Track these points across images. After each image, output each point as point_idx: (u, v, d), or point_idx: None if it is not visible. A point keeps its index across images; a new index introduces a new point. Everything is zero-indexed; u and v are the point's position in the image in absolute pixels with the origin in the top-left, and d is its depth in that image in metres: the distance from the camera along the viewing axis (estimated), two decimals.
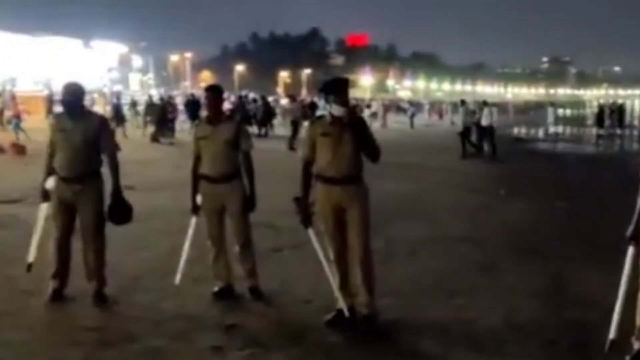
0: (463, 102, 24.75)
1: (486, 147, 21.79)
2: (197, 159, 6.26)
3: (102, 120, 6.40)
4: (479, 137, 21.89)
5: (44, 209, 6.34)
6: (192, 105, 27.28)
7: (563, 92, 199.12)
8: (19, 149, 18.72)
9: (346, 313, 5.47)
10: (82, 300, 6.12)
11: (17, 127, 23.33)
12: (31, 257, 6.45)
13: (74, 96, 6.20)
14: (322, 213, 5.54)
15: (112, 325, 5.59)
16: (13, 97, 30.37)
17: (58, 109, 31.87)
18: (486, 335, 5.43)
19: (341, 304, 5.51)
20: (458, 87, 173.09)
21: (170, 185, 12.93)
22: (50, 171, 6.15)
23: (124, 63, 73.20)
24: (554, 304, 6.29)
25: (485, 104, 23.10)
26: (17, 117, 24.45)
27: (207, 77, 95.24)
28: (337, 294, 5.53)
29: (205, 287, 6.29)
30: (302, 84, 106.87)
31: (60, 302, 6.08)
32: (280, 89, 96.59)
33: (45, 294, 6.13)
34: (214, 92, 6.37)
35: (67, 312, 5.94)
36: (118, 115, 26.78)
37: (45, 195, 6.22)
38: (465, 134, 21.69)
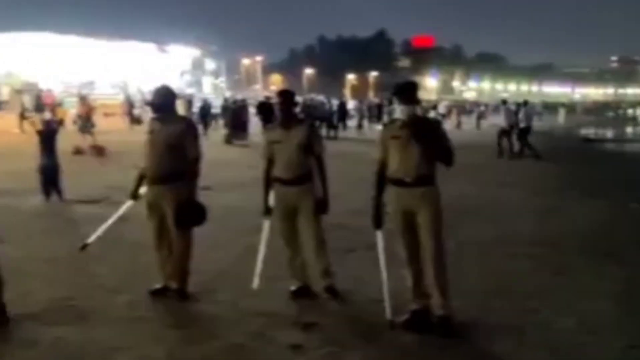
0: (504, 102, 24.55)
1: (516, 146, 21.63)
2: (270, 162, 6.31)
3: (188, 124, 6.51)
4: (517, 137, 21.78)
5: (125, 207, 6.60)
6: (265, 108, 27.50)
7: (632, 92, 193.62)
8: (98, 150, 19.14)
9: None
10: (164, 298, 6.24)
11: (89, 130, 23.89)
12: (90, 239, 6.73)
13: (164, 98, 6.38)
14: (392, 215, 5.54)
15: (193, 323, 5.68)
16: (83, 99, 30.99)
17: (136, 112, 32.76)
18: (563, 338, 5.33)
19: (413, 305, 5.51)
20: (524, 87, 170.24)
21: (244, 186, 13.04)
22: (143, 175, 6.35)
23: (197, 66, 74.22)
24: (630, 308, 6.14)
25: (525, 104, 23.10)
26: (88, 119, 24.99)
27: (277, 80, 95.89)
28: (410, 295, 5.53)
29: (282, 286, 6.32)
30: (368, 86, 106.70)
31: (142, 300, 6.22)
32: (347, 92, 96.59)
33: (131, 291, 6.32)
34: (287, 96, 6.42)
35: (150, 309, 6.06)
36: (205, 118, 27.23)
37: (135, 196, 6.43)
38: (505, 134, 21.55)
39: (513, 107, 23.68)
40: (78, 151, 18.64)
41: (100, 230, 6.72)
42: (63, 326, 5.55)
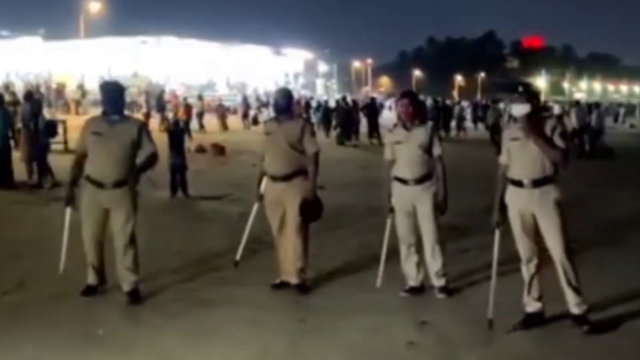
0: (577, 103, 24.21)
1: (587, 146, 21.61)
2: (391, 163, 6.38)
3: (304, 123, 6.67)
4: (589, 138, 21.44)
5: (254, 210, 6.76)
6: (370, 109, 27.62)
7: None
8: (219, 149, 19.64)
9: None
10: (284, 293, 6.40)
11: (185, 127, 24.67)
12: (238, 255, 6.91)
13: (285, 100, 6.58)
14: (511, 216, 5.49)
15: (312, 317, 5.76)
16: (185, 99, 31.97)
17: (252, 112, 33.40)
18: None
19: (527, 307, 5.46)
20: (637, 89, 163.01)
21: (357, 185, 13.18)
22: (263, 174, 6.51)
23: (310, 69, 74.91)
24: None
25: (597, 105, 22.75)
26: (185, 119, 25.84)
27: (386, 82, 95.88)
28: (525, 298, 5.47)
29: (398, 283, 6.35)
30: (477, 87, 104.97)
31: (262, 293, 6.38)
32: (455, 93, 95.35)
33: (253, 285, 6.50)
34: (409, 98, 6.46)
35: (270, 303, 6.21)
36: (325, 119, 27.57)
37: (261, 197, 6.56)
38: (576, 134, 21.43)
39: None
40: (200, 149, 19.20)
41: (243, 242, 6.90)
42: (185, 315, 5.76)
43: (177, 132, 12.30)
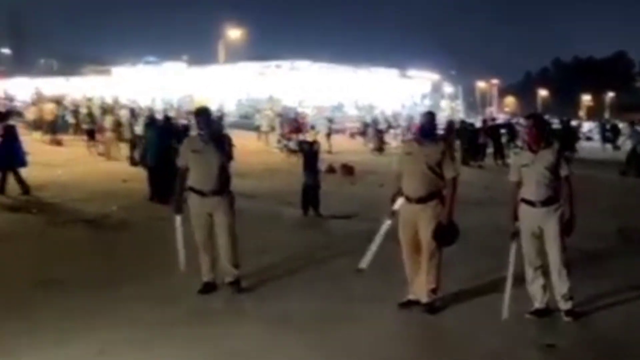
0: (632, 124, 23.36)
1: None
2: (517, 184, 6.30)
3: (445, 146, 6.64)
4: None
5: (385, 226, 6.81)
6: (494, 130, 27.14)
7: None
8: (348, 170, 19.84)
9: None
10: (411, 311, 6.40)
11: (285, 146, 25.12)
12: (364, 263, 7.03)
13: (430, 123, 6.65)
14: None
15: (436, 338, 5.83)
16: (295, 119, 32.50)
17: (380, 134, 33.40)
18: None
19: None
20: None
21: (483, 205, 13.01)
22: (398, 192, 6.54)
23: (436, 90, 74.37)
24: None
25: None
26: (288, 138, 26.15)
27: (511, 102, 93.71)
28: None
29: (524, 306, 6.25)
30: (604, 107, 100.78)
31: (389, 310, 6.42)
32: (582, 113, 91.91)
33: (384, 302, 6.55)
34: (534, 120, 6.42)
35: (398, 321, 6.27)
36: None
37: (393, 214, 6.62)
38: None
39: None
40: (330, 170, 19.45)
41: (369, 254, 7.00)
42: (314, 332, 5.87)
43: (311, 153, 12.51)
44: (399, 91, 66.33)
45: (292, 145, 25.02)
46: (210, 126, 7.25)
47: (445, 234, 6.29)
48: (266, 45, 79.37)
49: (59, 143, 26.50)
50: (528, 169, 6.19)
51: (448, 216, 6.29)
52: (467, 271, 7.82)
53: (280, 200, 13.71)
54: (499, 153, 25.23)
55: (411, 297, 6.51)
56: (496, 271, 6.67)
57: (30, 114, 29.68)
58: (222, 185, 6.89)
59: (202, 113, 7.28)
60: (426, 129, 6.59)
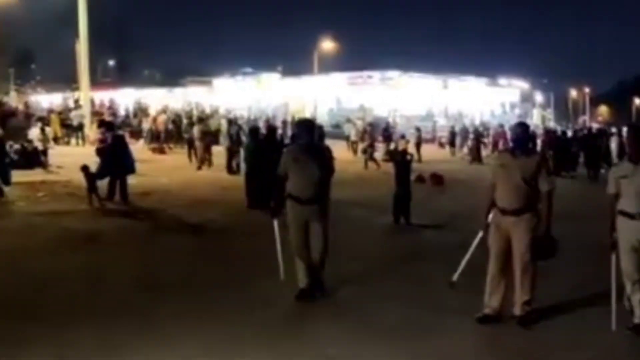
0: None
1: None
2: (615, 197, 6.14)
3: (541, 159, 6.50)
4: None
5: (478, 238, 6.77)
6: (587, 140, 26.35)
7: None
8: (438, 179, 19.73)
9: None
10: (495, 324, 6.33)
11: (370, 156, 24.93)
12: (456, 276, 7.01)
13: (523, 134, 6.52)
14: None
15: (536, 349, 5.74)
16: (385, 128, 32.28)
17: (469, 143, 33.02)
18: None
19: None
20: None
21: (574, 217, 12.69)
22: (491, 204, 6.45)
23: (526, 99, 72.69)
24: None
25: None
26: (371, 146, 25.97)
27: (604, 111, 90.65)
28: None
29: (622, 320, 6.05)
30: None
31: (472, 324, 6.33)
32: None
33: (469, 312, 6.49)
34: (634, 131, 6.29)
35: (480, 333, 6.25)
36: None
37: (487, 226, 6.50)
38: None
39: None
40: (420, 179, 19.39)
41: (461, 267, 6.98)
42: (414, 339, 5.96)
43: (402, 163, 12.55)
44: (489, 100, 65.28)
45: (378, 154, 25.13)
46: (311, 136, 7.42)
47: (542, 247, 6.18)
48: (358, 56, 79.49)
49: (162, 151, 27.49)
50: (627, 181, 5.99)
51: (546, 230, 6.19)
52: (562, 284, 7.61)
53: (371, 208, 13.85)
54: (592, 163, 24.46)
55: (488, 311, 6.40)
56: (591, 284, 6.55)
57: (146, 124, 30.95)
58: (320, 194, 7.03)
59: (305, 123, 7.61)
60: (520, 141, 6.46)
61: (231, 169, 20.85)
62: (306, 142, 7.24)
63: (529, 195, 6.19)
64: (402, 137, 18.88)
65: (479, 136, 32.52)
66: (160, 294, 7.29)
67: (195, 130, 23.83)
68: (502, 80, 70.74)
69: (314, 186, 6.98)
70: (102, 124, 17.90)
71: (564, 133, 30.05)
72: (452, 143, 34.70)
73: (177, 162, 23.50)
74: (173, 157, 25.78)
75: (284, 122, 38.28)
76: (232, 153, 21.30)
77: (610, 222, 6.17)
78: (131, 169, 14.57)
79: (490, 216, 6.48)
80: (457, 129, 36.08)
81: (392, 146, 25.34)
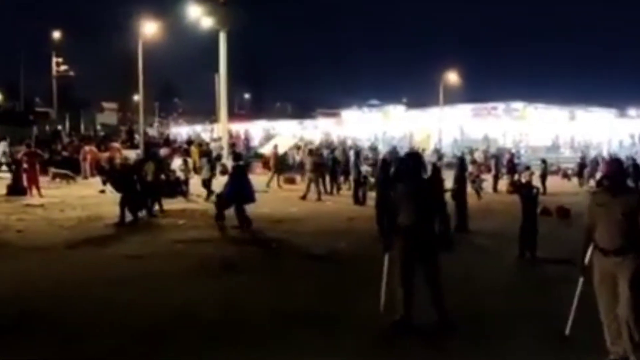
0: None
1: None
2: None
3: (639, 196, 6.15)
4: None
5: (580, 285, 6.49)
6: None
7: None
8: (564, 212, 18.96)
9: None
10: None
11: (479, 186, 24.19)
12: (567, 329, 6.72)
13: (619, 170, 6.24)
14: None
15: None
16: (510, 159, 31.20)
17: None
18: None
19: None
20: None
21: None
22: (588, 244, 6.17)
23: None
24: None
25: None
26: (477, 177, 25.09)
27: None
28: None
29: None
30: None
31: None
32: None
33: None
34: None
35: None
36: None
37: (584, 269, 6.27)
38: None
39: None
40: (546, 212, 18.72)
41: (572, 312, 6.70)
42: None
43: (528, 196, 12.17)
44: (618, 131, 62.36)
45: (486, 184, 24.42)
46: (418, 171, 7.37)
47: None
48: (482, 88, 78.23)
49: (292, 181, 28.04)
50: None
51: None
52: None
53: (497, 240, 13.51)
54: None
55: (613, 357, 6.04)
56: None
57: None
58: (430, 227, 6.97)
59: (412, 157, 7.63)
60: (617, 178, 6.12)
61: (357, 199, 20.94)
62: (412, 178, 7.18)
63: (632, 233, 5.84)
64: (527, 168, 18.33)
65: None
66: (288, 323, 7.40)
67: (308, 162, 23.71)
68: (632, 111, 67.47)
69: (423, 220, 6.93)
70: (202, 154, 18.48)
71: None
72: (580, 174, 33.13)
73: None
74: (302, 186, 26.14)
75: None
76: (358, 183, 21.41)
77: None
78: (250, 198, 14.85)
79: (587, 258, 6.20)
80: (587, 160, 34.52)
81: (516, 177, 24.67)
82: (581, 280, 6.45)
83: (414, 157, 7.69)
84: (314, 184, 22.35)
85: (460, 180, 15.64)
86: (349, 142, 42.94)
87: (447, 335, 6.92)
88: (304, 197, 21.71)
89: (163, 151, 28.72)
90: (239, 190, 14.66)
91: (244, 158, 34.13)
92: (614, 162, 6.45)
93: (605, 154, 45.63)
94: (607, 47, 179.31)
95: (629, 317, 5.85)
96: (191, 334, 7.00)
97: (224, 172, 16.53)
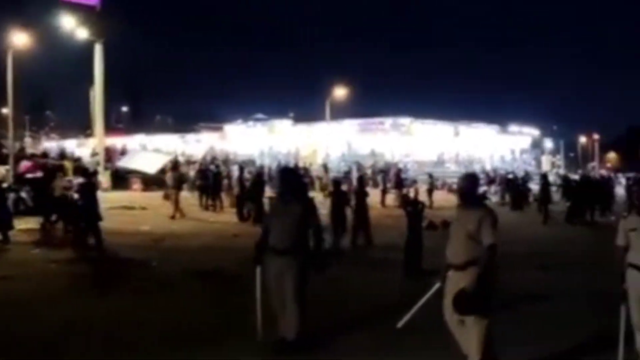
0: None
1: None
2: (624, 248, 6.03)
3: (484, 213, 6.03)
4: None
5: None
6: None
7: None
8: (448, 226, 19.38)
9: None
10: None
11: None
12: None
13: (471, 184, 6.34)
14: None
15: None
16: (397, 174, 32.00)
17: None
18: None
19: None
20: None
21: (582, 265, 12.59)
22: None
23: (536, 146, 72.76)
24: None
25: None
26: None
27: (612, 159, 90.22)
28: None
29: None
30: None
31: None
32: None
33: None
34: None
35: None
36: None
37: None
38: None
39: None
40: (431, 225, 19.19)
41: (413, 310, 7.10)
42: None
43: (414, 213, 12.57)
44: (499, 147, 65.48)
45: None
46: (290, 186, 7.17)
47: (463, 302, 5.73)
48: (369, 103, 79.80)
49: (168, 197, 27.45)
50: (636, 234, 5.91)
51: (473, 284, 5.68)
52: (562, 334, 7.38)
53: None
54: (607, 211, 24.55)
55: None
56: (601, 333, 6.41)
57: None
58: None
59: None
60: (466, 191, 6.20)
61: (242, 216, 20.82)
62: (287, 193, 7.02)
63: (474, 249, 5.83)
64: (414, 182, 18.83)
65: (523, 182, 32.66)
66: (181, 344, 7.24)
67: (169, 178, 23.32)
68: (513, 128, 71.00)
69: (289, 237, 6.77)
70: (77, 170, 17.75)
71: (575, 181, 29.75)
72: None
73: (188, 209, 23.06)
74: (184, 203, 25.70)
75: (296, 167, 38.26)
76: (242, 200, 21.30)
77: (620, 274, 6.05)
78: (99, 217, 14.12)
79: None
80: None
81: (404, 191, 25.24)
82: (436, 285, 6.47)
83: (287, 173, 7.65)
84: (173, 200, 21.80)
85: (359, 195, 15.74)
86: (231, 157, 42.70)
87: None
88: (172, 217, 21.11)
89: (23, 165, 26.92)
90: (89, 207, 14.04)
91: (121, 174, 33.44)
92: (468, 178, 6.50)
93: (488, 168, 47.71)
94: (490, 65, 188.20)
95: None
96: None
97: (67, 188, 15.97)
